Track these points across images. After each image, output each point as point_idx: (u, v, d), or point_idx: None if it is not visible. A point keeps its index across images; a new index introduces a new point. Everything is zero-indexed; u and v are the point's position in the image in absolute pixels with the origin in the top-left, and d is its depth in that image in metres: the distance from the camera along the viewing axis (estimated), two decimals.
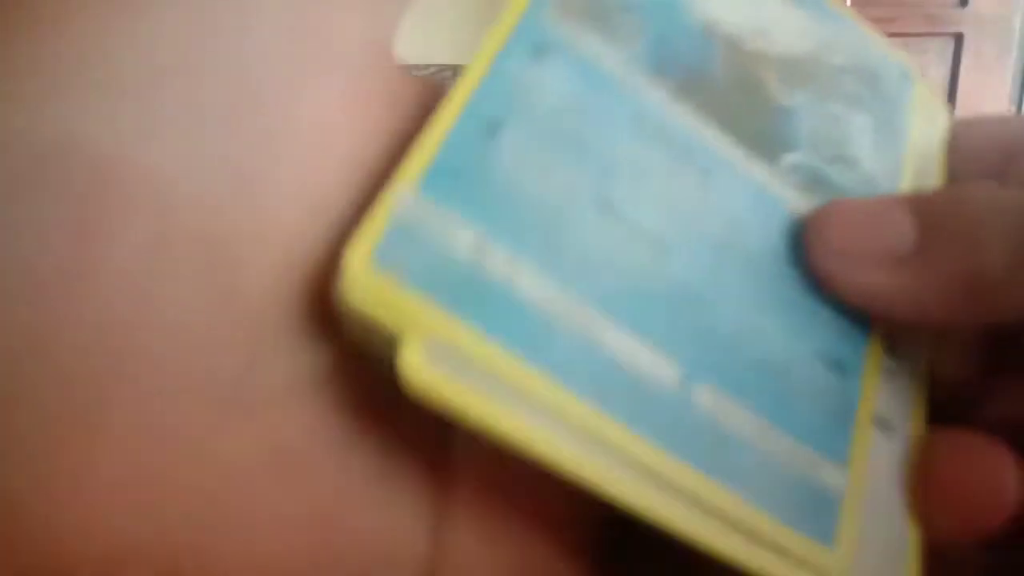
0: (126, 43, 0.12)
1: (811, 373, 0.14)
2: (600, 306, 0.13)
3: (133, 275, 0.12)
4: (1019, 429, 0.16)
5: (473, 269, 0.12)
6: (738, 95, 0.16)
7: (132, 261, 0.12)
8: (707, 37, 0.16)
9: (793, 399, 0.14)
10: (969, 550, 0.16)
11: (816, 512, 0.13)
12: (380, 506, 0.13)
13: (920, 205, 0.15)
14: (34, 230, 0.11)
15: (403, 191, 0.12)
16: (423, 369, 0.11)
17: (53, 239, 0.11)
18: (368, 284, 0.11)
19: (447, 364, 0.11)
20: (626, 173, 0.14)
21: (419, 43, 1.18)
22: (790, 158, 0.16)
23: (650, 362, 0.13)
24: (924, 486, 0.15)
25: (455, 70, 0.15)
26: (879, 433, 0.15)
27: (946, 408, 0.16)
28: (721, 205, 0.15)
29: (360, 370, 0.13)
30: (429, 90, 0.15)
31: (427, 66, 1.14)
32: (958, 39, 1.39)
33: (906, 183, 0.17)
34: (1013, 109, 1.39)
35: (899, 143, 0.18)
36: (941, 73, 1.41)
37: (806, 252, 0.15)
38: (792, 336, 0.14)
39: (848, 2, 1.07)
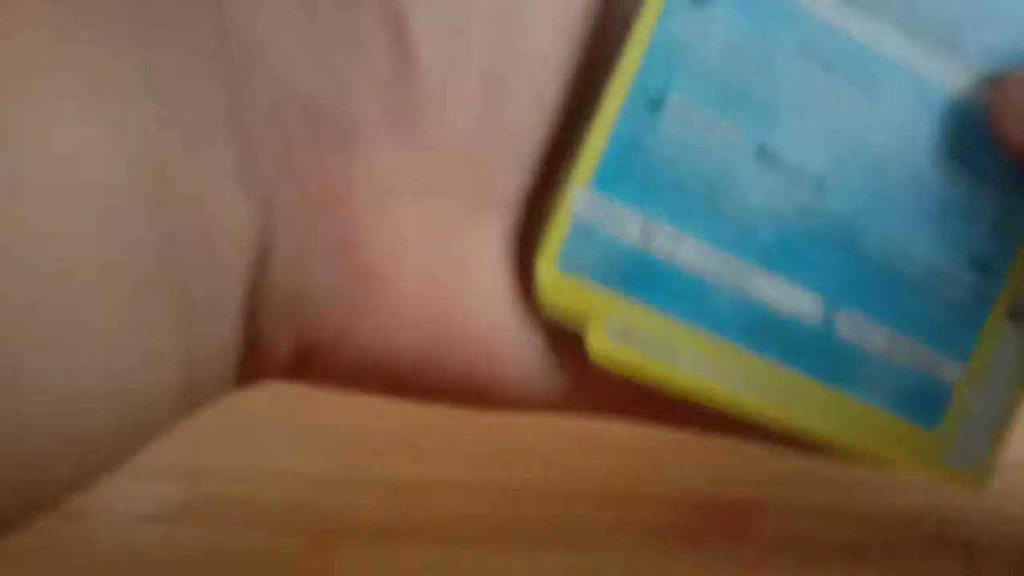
0: None
1: (952, 276, 0.16)
2: (754, 258, 0.15)
3: None
4: None
5: (641, 252, 0.15)
6: None
7: None
8: None
9: (928, 307, 0.16)
10: None
11: (927, 402, 0.16)
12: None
13: None
14: None
15: (579, 191, 0.14)
16: (607, 348, 0.15)
17: None
18: (556, 286, 0.14)
19: (626, 339, 0.15)
20: (789, 112, 0.15)
21: None
22: (979, 37, 0.16)
23: (797, 299, 0.15)
24: None
25: None
26: (1011, 324, 0.16)
27: None
28: (887, 116, 0.15)
29: None
30: None
31: None
32: None
33: None
34: None
35: None
36: None
37: (988, 119, 0.15)
38: (940, 243, 0.16)
39: None
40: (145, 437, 0.13)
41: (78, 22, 0.12)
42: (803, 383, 0.15)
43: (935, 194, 0.16)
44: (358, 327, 0.14)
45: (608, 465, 0.27)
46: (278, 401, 0.27)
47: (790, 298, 0.15)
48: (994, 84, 0.15)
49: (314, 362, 0.15)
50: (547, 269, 0.14)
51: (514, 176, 0.15)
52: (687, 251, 0.15)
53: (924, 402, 0.16)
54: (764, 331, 0.15)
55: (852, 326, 0.16)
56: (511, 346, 0.15)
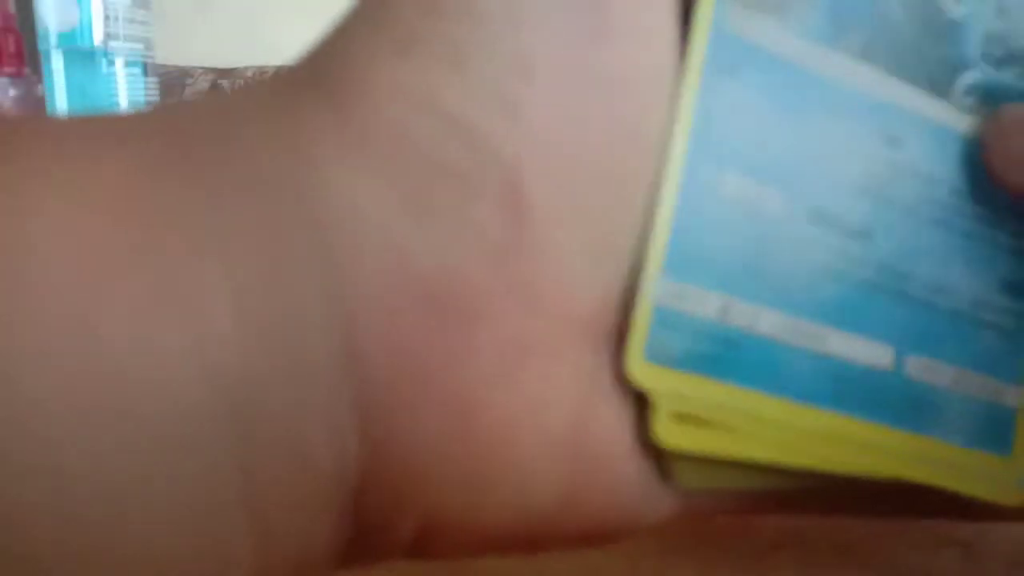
0: None
1: (995, 305, 0.16)
2: (824, 318, 0.15)
3: None
4: None
5: (720, 329, 0.15)
6: (913, 27, 0.16)
7: None
8: None
9: (980, 337, 0.16)
10: None
11: (998, 429, 0.16)
12: None
13: None
14: None
15: (654, 281, 0.14)
16: (672, 435, 0.14)
17: None
18: (644, 375, 0.14)
19: (694, 420, 0.14)
20: (827, 171, 0.15)
21: None
22: (964, 79, 0.16)
23: (870, 352, 0.15)
24: None
25: None
26: None
27: None
28: (910, 163, 0.16)
29: None
30: None
31: None
32: None
33: None
34: None
35: None
36: None
37: (987, 167, 0.16)
38: (977, 275, 0.16)
39: None
40: None
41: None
42: (884, 433, 0.16)
43: (960, 229, 0.16)
44: (488, 500, 0.14)
45: None
46: None
47: (864, 351, 0.15)
48: (982, 134, 0.16)
49: (441, 538, 0.14)
50: (635, 365, 0.14)
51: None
52: (763, 323, 0.15)
53: (995, 430, 0.16)
54: (843, 389, 0.15)
55: (921, 369, 0.16)
56: (638, 485, 0.15)
